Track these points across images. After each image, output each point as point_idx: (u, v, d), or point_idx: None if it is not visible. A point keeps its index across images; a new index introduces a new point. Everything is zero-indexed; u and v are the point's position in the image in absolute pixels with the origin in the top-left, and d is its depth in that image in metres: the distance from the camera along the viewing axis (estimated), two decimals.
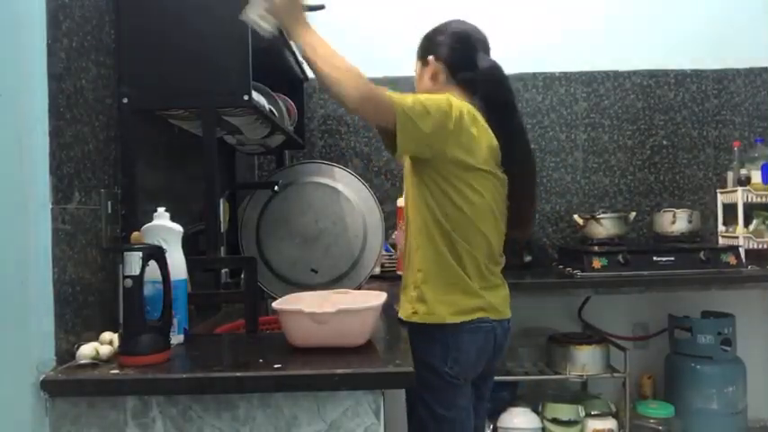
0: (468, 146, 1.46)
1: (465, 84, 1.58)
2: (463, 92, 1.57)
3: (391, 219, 2.55)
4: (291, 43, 1.64)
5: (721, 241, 2.85)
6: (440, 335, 1.48)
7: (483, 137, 1.50)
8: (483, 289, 1.51)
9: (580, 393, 2.75)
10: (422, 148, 1.43)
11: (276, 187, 1.93)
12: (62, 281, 1.18)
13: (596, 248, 2.55)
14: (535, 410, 2.58)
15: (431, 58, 1.60)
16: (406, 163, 1.58)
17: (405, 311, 1.54)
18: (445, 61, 1.59)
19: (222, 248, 1.85)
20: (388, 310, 1.57)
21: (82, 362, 1.15)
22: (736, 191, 2.77)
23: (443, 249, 1.48)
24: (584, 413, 2.53)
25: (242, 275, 1.55)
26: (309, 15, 1.44)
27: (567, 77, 2.99)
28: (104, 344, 1.20)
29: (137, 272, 1.16)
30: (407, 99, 1.39)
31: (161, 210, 1.35)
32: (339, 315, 1.22)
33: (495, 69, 1.58)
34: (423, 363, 1.40)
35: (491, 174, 1.51)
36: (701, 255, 2.50)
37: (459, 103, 1.46)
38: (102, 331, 1.26)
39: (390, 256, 2.60)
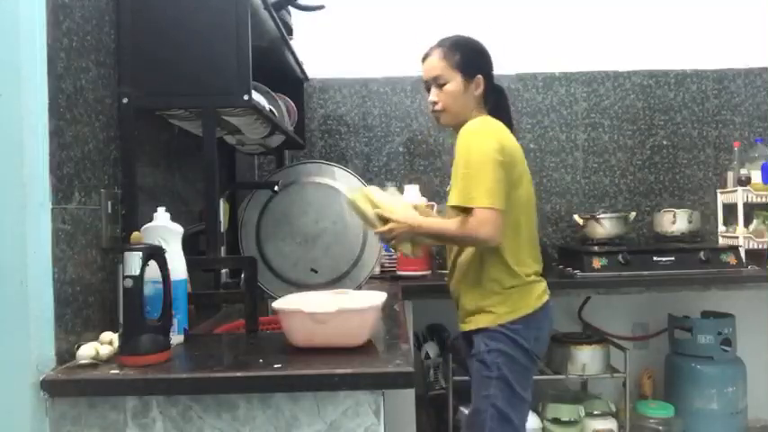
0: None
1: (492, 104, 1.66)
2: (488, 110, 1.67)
3: None
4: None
5: (721, 241, 2.85)
6: None
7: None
8: None
9: (580, 393, 2.75)
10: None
11: (276, 187, 1.93)
12: (62, 281, 1.18)
13: (596, 248, 2.55)
14: (535, 410, 2.58)
15: (480, 77, 1.61)
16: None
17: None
18: (487, 82, 1.64)
19: (222, 248, 1.85)
20: (389, 309, 1.57)
21: (82, 362, 1.14)
22: (736, 191, 2.77)
23: None
24: (584, 413, 2.53)
25: (242, 275, 1.55)
26: (308, 15, 1.44)
27: (567, 77, 2.99)
28: (104, 344, 1.20)
29: (137, 272, 1.16)
30: (476, 200, 1.53)
31: (161, 210, 1.35)
32: (339, 315, 1.22)
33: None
34: None
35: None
36: (701, 255, 2.50)
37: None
38: (102, 331, 1.26)
39: (390, 256, 2.59)
